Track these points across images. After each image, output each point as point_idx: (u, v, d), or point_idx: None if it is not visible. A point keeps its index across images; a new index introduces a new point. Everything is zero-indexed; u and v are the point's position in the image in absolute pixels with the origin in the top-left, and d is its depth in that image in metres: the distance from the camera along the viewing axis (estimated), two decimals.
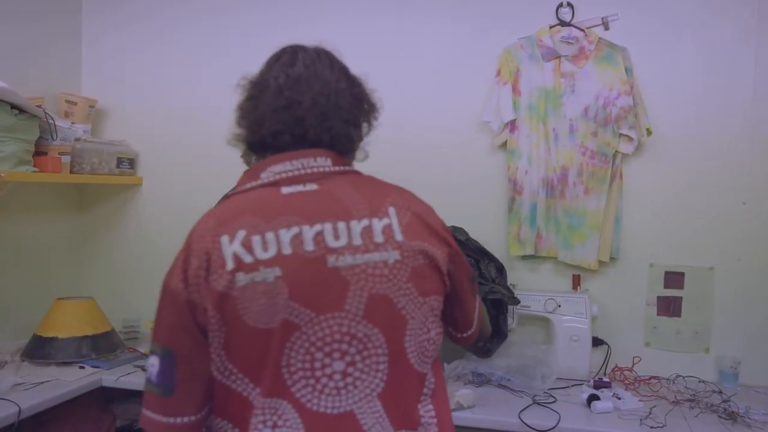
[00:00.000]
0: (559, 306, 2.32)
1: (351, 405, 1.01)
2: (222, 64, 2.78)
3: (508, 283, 2.32)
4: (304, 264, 0.98)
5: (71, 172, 2.59)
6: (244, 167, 2.04)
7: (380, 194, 1.08)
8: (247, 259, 0.98)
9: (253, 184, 1.06)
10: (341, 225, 1.01)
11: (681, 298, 2.35)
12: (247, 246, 0.98)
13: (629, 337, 2.39)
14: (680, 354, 2.35)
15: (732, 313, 2.31)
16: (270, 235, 0.99)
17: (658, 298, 2.37)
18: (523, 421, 1.86)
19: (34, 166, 2.39)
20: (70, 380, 2.18)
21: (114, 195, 2.94)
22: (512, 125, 2.43)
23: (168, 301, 1.01)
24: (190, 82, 2.84)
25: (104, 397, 2.41)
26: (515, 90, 2.42)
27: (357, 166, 1.18)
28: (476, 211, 2.49)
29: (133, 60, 2.91)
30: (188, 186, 2.82)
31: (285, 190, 1.04)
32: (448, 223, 2.26)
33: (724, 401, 2.00)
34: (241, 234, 0.98)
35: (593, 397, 1.99)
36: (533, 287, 2.43)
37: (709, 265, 2.32)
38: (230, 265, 0.97)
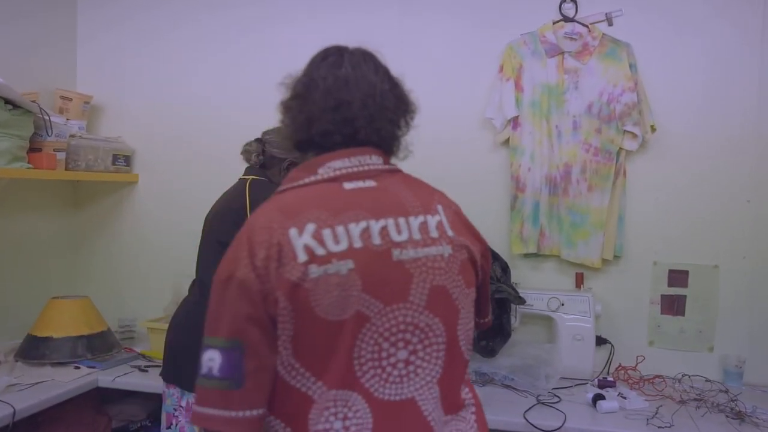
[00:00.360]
0: (563, 304, 2.30)
1: (412, 392, 1.06)
2: (219, 61, 2.76)
3: (511, 282, 2.29)
4: (373, 257, 1.02)
5: (66, 169, 2.55)
6: (242, 164, 2.03)
7: (427, 193, 1.15)
8: (320, 251, 1.00)
9: (312, 179, 1.09)
10: (401, 220, 1.06)
11: (685, 296, 2.33)
12: (319, 239, 1.00)
13: (632, 336, 2.37)
14: (684, 353, 2.33)
15: (736, 312, 2.29)
16: (340, 229, 1.02)
17: (662, 296, 2.35)
18: (528, 422, 1.83)
19: (29, 163, 2.34)
20: (66, 381, 2.14)
21: (109, 192, 2.90)
22: (515, 122, 2.40)
23: (235, 292, 0.99)
24: (186, 78, 2.81)
25: (99, 397, 2.37)
26: (518, 86, 2.39)
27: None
28: (478, 209, 2.38)
29: (130, 56, 2.87)
30: (185, 184, 2.79)
31: (347, 185, 1.08)
32: None
33: (732, 401, 1.98)
34: (311, 227, 1.01)
35: (598, 397, 1.96)
36: (536, 286, 2.41)
37: (714, 263, 2.30)
38: (302, 257, 0.99)
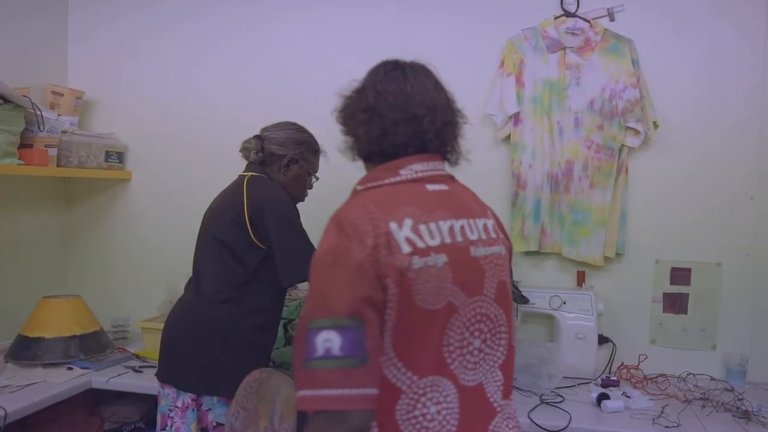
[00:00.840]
0: (564, 303, 2.27)
1: (481, 377, 1.16)
2: (214, 58, 2.72)
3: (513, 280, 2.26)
4: (459, 252, 1.12)
5: (58, 165, 2.50)
6: (238, 161, 1.99)
7: (478, 198, 1.27)
8: (420, 244, 1.07)
9: (395, 179, 1.16)
10: (471, 222, 1.17)
11: (687, 294, 2.31)
12: (417, 233, 1.08)
13: (634, 334, 2.35)
14: (687, 351, 2.31)
15: (739, 310, 2.27)
16: (433, 226, 1.10)
17: (664, 294, 2.33)
18: (533, 422, 1.80)
19: (20, 159, 2.29)
20: (58, 382, 2.09)
21: (102, 190, 2.85)
22: (516, 118, 2.37)
23: (353, 273, 1.02)
24: (180, 75, 2.76)
25: (92, 399, 2.32)
26: (519, 82, 2.37)
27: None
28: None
29: (122, 53, 2.82)
30: (179, 181, 2.75)
31: (429, 187, 1.17)
32: None
33: (738, 399, 1.96)
34: (409, 222, 1.08)
35: (603, 396, 1.94)
36: (537, 284, 2.38)
37: (717, 260, 2.28)
38: (406, 248, 1.06)
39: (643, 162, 2.33)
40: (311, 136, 2.02)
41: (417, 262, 1.05)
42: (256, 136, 1.98)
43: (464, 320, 1.11)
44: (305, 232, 1.88)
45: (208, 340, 1.84)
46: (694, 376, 2.19)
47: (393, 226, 1.06)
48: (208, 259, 1.91)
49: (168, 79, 2.77)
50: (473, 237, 1.15)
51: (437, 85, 1.23)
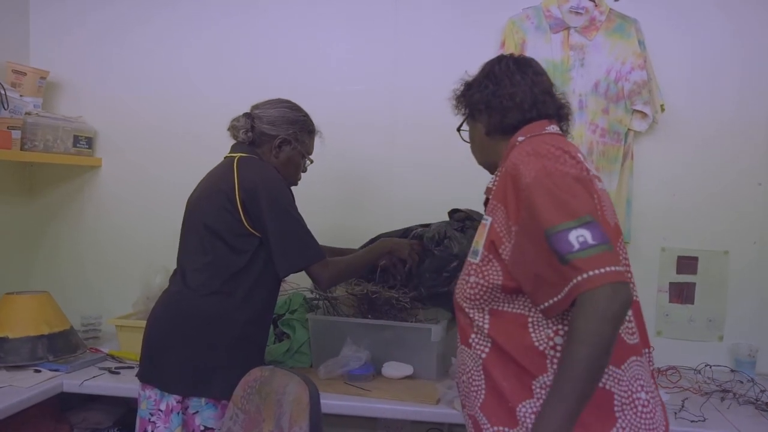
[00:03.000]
0: None
1: None
2: (192, 36, 2.55)
3: None
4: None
5: (22, 149, 2.30)
6: (222, 147, 1.82)
7: None
8: (594, 172, 1.23)
9: (549, 129, 1.32)
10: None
11: (694, 284, 2.24)
12: (588, 165, 1.23)
13: None
14: (693, 343, 2.24)
15: (747, 299, 2.21)
16: (589, 162, 1.26)
17: (671, 284, 2.26)
18: None
19: None
20: (26, 386, 1.90)
21: (70, 177, 2.65)
22: None
23: (585, 185, 1.14)
24: (154, 55, 2.58)
25: (59, 404, 2.13)
26: None
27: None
28: (478, 195, 2.31)
29: (90, 30, 2.62)
30: (154, 169, 2.58)
31: (568, 139, 1.36)
32: (454, 205, 2.16)
33: (762, 391, 1.88)
34: (581, 156, 1.23)
35: None
36: None
37: (724, 248, 2.22)
38: (593, 171, 1.23)
39: (649, 147, 2.25)
40: (306, 116, 1.87)
41: (599, 184, 1.22)
42: (246, 114, 1.82)
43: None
44: (301, 217, 1.74)
45: (197, 337, 1.68)
46: (710, 367, 2.11)
47: (580, 156, 1.21)
48: (195, 249, 1.74)
49: (141, 60, 2.58)
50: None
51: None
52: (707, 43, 2.21)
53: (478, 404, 1.21)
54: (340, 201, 2.44)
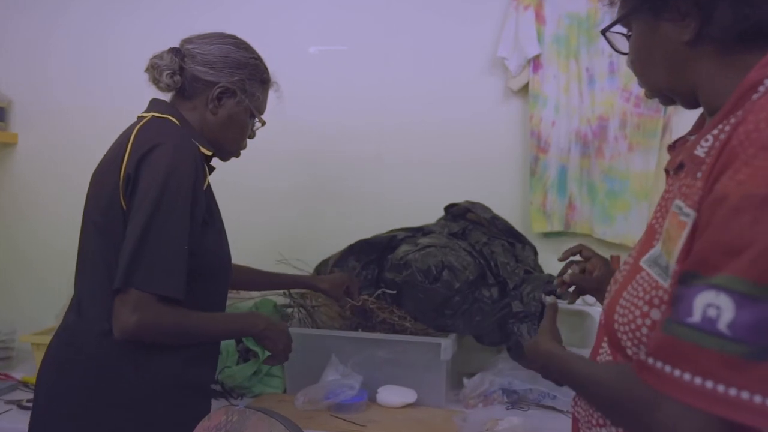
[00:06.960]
0: None
1: None
2: None
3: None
4: None
5: None
6: (151, 114, 1.34)
7: None
8: None
9: None
10: None
11: None
12: None
13: None
14: None
15: None
16: None
17: None
18: None
19: None
20: None
21: None
22: (535, 62, 1.96)
23: None
24: (82, 8, 2.21)
25: None
26: (539, 17, 1.96)
27: None
28: (489, 175, 2.04)
29: None
30: (80, 147, 2.17)
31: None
32: (454, 196, 1.83)
33: None
34: None
35: None
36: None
37: None
38: None
39: (691, 118, 1.90)
40: (259, 59, 1.37)
41: None
42: (173, 50, 1.31)
43: None
44: (187, 228, 1.19)
45: (98, 408, 1.18)
46: None
47: None
48: (89, 262, 1.26)
49: (66, 14, 2.22)
50: None
51: None
52: None
53: None
54: (315, 192, 2.09)
